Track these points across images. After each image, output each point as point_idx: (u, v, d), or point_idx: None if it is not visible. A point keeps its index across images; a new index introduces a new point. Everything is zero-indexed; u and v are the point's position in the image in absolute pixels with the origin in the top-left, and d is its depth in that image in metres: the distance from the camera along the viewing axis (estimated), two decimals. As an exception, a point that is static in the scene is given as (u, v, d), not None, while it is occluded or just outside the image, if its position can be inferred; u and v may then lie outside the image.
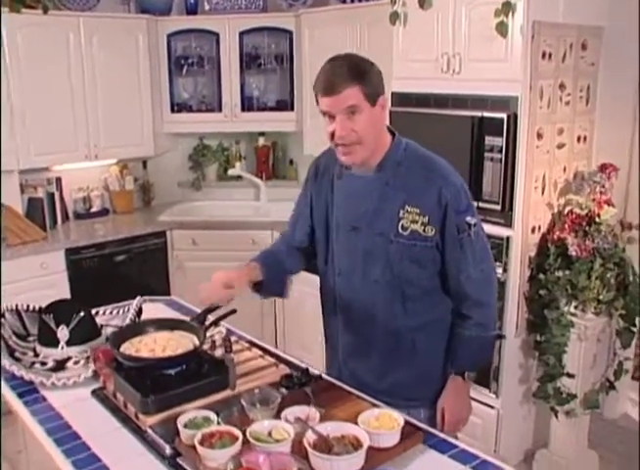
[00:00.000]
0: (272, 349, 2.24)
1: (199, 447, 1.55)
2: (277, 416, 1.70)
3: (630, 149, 3.11)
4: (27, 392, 1.99)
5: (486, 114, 2.84)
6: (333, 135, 1.83)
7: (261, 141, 4.75)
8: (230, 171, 4.52)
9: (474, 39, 2.85)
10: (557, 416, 3.03)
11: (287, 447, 1.57)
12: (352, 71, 1.78)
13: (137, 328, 1.99)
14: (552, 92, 2.85)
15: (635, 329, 2.90)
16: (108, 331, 2.34)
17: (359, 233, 1.94)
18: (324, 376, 2.04)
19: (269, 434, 1.62)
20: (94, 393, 1.97)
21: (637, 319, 2.86)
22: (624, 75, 3.08)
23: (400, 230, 1.87)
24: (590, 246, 2.78)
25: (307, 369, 2.05)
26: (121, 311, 2.51)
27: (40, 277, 3.72)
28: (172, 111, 4.41)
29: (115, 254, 4.04)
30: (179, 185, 4.76)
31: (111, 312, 2.52)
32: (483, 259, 1.94)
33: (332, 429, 1.63)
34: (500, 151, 2.80)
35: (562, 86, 2.90)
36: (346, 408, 1.82)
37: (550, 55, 2.79)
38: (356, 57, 1.89)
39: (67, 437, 1.75)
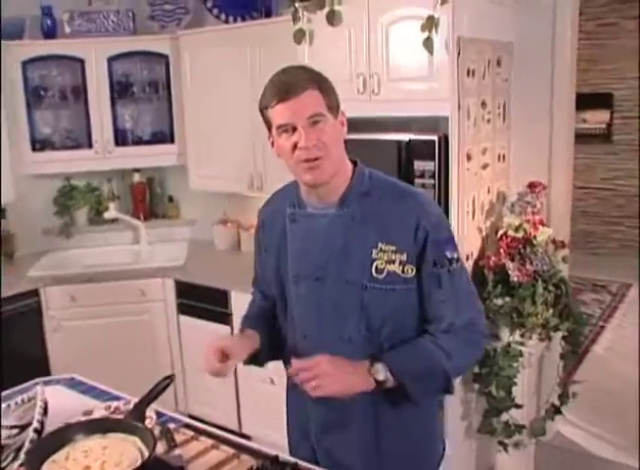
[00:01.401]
0: (224, 434, 1.83)
1: None
2: None
3: (548, 165, 3.01)
4: None
5: (414, 136, 2.61)
6: (294, 149, 1.52)
7: (136, 178, 4.26)
8: (106, 215, 3.98)
9: (393, 57, 2.61)
10: (506, 450, 2.85)
11: None
12: (311, 75, 1.54)
13: (60, 438, 1.51)
14: (476, 110, 2.68)
15: (579, 350, 2.78)
16: (4, 435, 1.82)
17: (324, 284, 1.62)
18: (301, 464, 1.67)
19: None
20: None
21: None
22: (534, 91, 2.99)
23: (375, 274, 1.57)
24: (531, 269, 2.63)
25: (277, 457, 1.68)
26: (14, 404, 1.98)
27: None
28: (33, 149, 3.81)
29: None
30: (45, 233, 4.14)
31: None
32: (470, 306, 1.66)
33: None
34: (432, 176, 2.58)
35: (483, 104, 2.74)
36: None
37: (473, 72, 2.62)
38: (309, 68, 1.62)
39: None
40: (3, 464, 1.68)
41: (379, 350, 1.62)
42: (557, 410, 2.89)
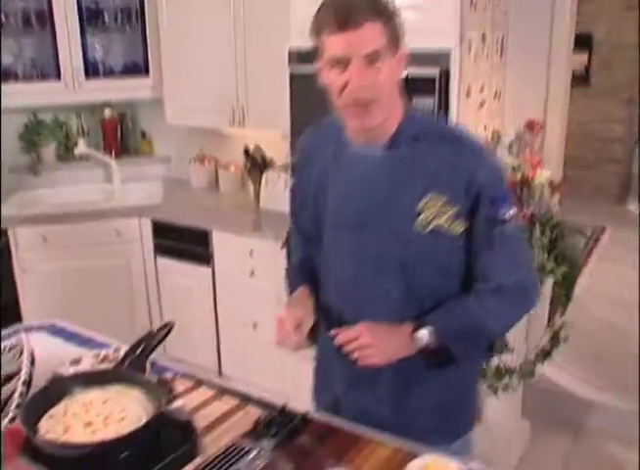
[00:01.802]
0: (226, 384, 1.73)
1: None
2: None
3: (544, 106, 2.91)
4: None
5: (413, 71, 2.46)
6: (343, 88, 1.36)
7: (107, 113, 4.02)
8: (77, 150, 3.76)
9: (393, -16, 2.44)
10: (496, 393, 2.83)
11: None
12: (374, 3, 1.34)
13: (56, 391, 1.39)
14: (477, 44, 2.54)
15: (571, 295, 2.74)
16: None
17: (365, 232, 1.49)
18: (313, 414, 1.58)
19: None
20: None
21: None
22: (533, 27, 2.86)
23: (420, 227, 1.44)
24: (528, 213, 2.55)
25: (284, 407, 1.59)
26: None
27: None
28: (-5, 80, 3.55)
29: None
30: (11, 171, 3.91)
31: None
32: (521, 267, 1.53)
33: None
34: (431, 113, 2.45)
35: (484, 38, 2.60)
36: (369, 459, 1.40)
37: (476, 4, 2.47)
38: None
39: None
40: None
41: (417, 308, 1.51)
42: (547, 354, 2.87)
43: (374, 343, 1.43)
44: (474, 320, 1.47)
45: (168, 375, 1.73)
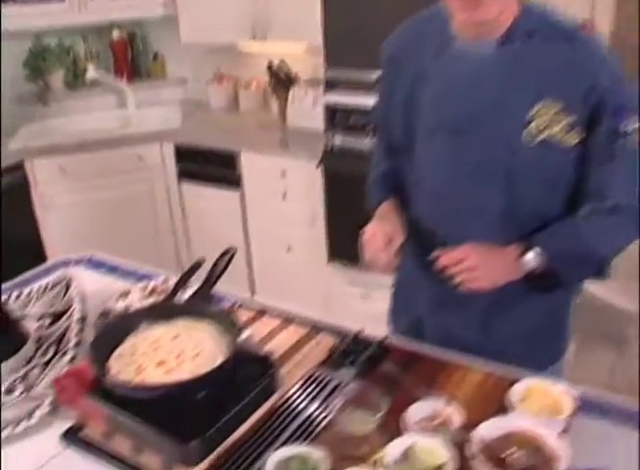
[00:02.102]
0: (291, 311, 1.60)
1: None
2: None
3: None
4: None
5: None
6: None
7: (116, 34, 3.78)
8: (89, 75, 3.55)
9: None
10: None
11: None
12: None
13: (120, 329, 1.26)
14: None
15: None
16: (31, 329, 1.58)
17: (465, 139, 1.33)
18: (391, 340, 1.47)
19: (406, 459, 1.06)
20: (69, 438, 1.26)
21: None
22: None
23: (530, 136, 1.27)
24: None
25: (358, 334, 1.47)
26: (35, 291, 1.72)
27: None
28: (-6, 1, 3.30)
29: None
30: (19, 101, 3.70)
31: (18, 296, 1.72)
32: None
33: (487, 430, 1.10)
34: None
35: None
36: (461, 386, 1.29)
37: None
38: None
39: None
40: (43, 359, 1.45)
41: (518, 227, 1.37)
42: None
43: (480, 266, 1.30)
44: (585, 242, 1.32)
45: (226, 305, 1.61)
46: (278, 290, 3.28)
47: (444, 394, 1.24)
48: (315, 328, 1.49)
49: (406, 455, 1.07)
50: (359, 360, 1.37)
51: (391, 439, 1.10)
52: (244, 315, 1.55)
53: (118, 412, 1.13)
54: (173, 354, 1.18)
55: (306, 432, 1.19)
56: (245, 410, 1.18)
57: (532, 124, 1.26)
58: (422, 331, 1.56)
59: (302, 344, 1.44)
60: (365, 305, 3.02)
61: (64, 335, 1.49)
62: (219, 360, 1.17)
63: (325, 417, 1.22)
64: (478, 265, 1.31)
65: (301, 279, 3.22)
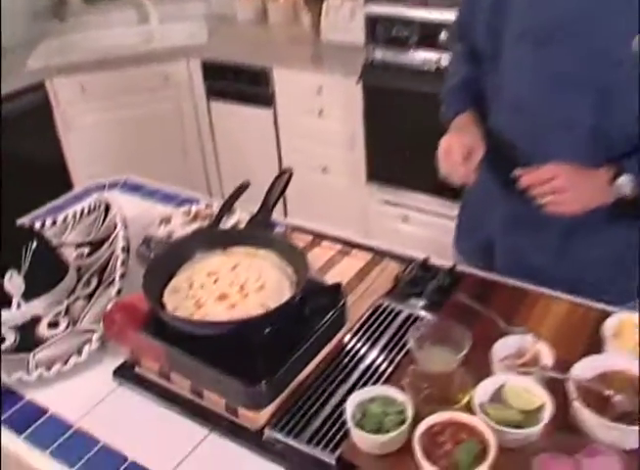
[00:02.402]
0: (348, 237, 1.48)
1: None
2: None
3: None
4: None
5: None
6: None
7: (132, -61, 3.52)
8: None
9: None
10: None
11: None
12: None
13: (173, 259, 1.15)
14: None
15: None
16: (71, 257, 1.47)
17: (558, 47, 1.16)
18: (461, 267, 1.35)
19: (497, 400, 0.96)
20: (122, 375, 1.16)
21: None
22: None
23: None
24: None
25: (426, 261, 1.35)
26: (71, 217, 1.61)
27: None
28: None
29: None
30: (35, 17, 3.49)
31: (53, 223, 1.61)
32: None
33: (581, 370, 0.99)
34: None
35: None
36: (544, 319, 1.17)
37: None
38: None
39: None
40: (85, 291, 1.35)
41: (606, 149, 1.21)
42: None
43: (569, 187, 1.16)
44: None
45: (278, 230, 1.49)
46: (312, 212, 3.15)
47: (527, 327, 1.13)
48: (378, 255, 1.37)
49: (497, 397, 0.97)
50: (429, 289, 1.26)
51: (477, 378, 0.99)
52: (300, 241, 1.43)
53: (176, 350, 1.02)
54: (235, 287, 1.07)
55: (379, 370, 1.09)
56: (314, 346, 1.08)
57: None
58: (491, 252, 1.45)
59: (366, 272, 1.32)
60: (405, 229, 2.89)
61: (106, 265, 1.38)
62: (287, 293, 1.06)
63: (399, 353, 1.12)
64: (567, 187, 1.17)
65: (338, 201, 3.08)
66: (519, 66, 1.23)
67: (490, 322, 1.15)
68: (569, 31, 1.14)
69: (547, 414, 0.91)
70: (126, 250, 1.30)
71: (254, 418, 1.01)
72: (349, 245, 1.41)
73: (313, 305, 1.09)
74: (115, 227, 1.43)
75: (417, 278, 1.30)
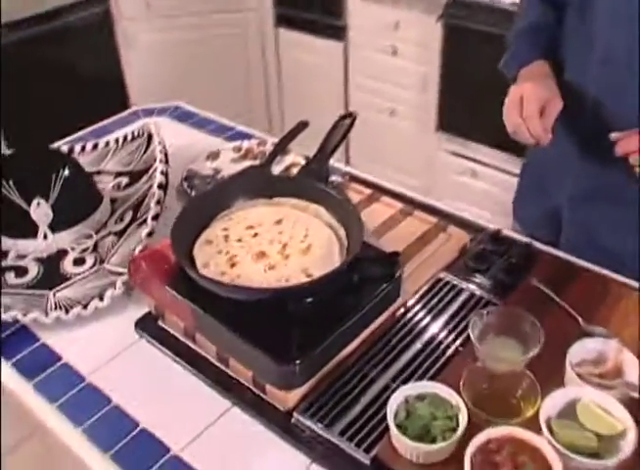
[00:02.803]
0: (416, 195, 1.31)
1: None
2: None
3: None
4: (13, 345, 1.05)
5: None
6: None
7: None
8: None
9: None
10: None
11: None
12: None
13: (209, 205, 1.00)
14: None
15: None
16: (107, 187, 1.35)
17: None
18: (536, 244, 1.17)
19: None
20: (144, 328, 1.05)
21: None
22: None
23: None
24: None
25: (499, 232, 1.18)
26: (113, 143, 1.48)
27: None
28: None
29: (39, 38, 2.75)
30: None
31: (94, 147, 1.48)
32: None
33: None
34: None
35: None
36: (628, 319, 0.99)
37: None
38: None
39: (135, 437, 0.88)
40: (117, 227, 1.23)
41: None
42: None
43: None
44: None
45: (336, 179, 1.33)
46: (375, 157, 2.97)
47: (611, 328, 0.95)
48: (444, 220, 1.20)
49: (568, 412, 0.81)
50: (497, 267, 1.09)
51: (546, 386, 0.83)
52: (356, 194, 1.27)
53: (203, 312, 0.89)
54: (277, 245, 0.92)
55: (431, 357, 0.94)
56: (359, 322, 0.93)
57: None
58: (557, 225, 1.27)
59: (428, 239, 1.16)
60: (472, 184, 2.69)
61: (142, 200, 1.26)
62: (335, 259, 0.91)
63: (457, 339, 0.97)
64: None
65: (403, 148, 2.88)
66: (610, 8, 1.03)
67: (567, 317, 0.98)
68: None
69: (629, 444, 0.75)
70: (163, 187, 1.17)
71: (284, 398, 0.88)
72: (412, 204, 1.24)
73: (364, 275, 0.94)
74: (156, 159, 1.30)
75: (486, 252, 1.13)
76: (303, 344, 0.86)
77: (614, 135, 1.03)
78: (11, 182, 1.16)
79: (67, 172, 1.19)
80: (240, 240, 0.93)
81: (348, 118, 1.10)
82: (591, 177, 1.18)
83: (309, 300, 0.89)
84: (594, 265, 1.11)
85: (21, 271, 1.16)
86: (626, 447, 0.75)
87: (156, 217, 1.13)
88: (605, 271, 1.10)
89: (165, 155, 1.26)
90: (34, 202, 1.17)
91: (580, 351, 0.88)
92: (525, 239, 1.16)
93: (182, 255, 0.89)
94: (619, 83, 1.08)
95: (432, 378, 0.90)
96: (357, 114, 1.11)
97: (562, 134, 1.16)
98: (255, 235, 0.94)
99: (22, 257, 1.19)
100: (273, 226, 0.96)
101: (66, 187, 1.19)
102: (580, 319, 0.96)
